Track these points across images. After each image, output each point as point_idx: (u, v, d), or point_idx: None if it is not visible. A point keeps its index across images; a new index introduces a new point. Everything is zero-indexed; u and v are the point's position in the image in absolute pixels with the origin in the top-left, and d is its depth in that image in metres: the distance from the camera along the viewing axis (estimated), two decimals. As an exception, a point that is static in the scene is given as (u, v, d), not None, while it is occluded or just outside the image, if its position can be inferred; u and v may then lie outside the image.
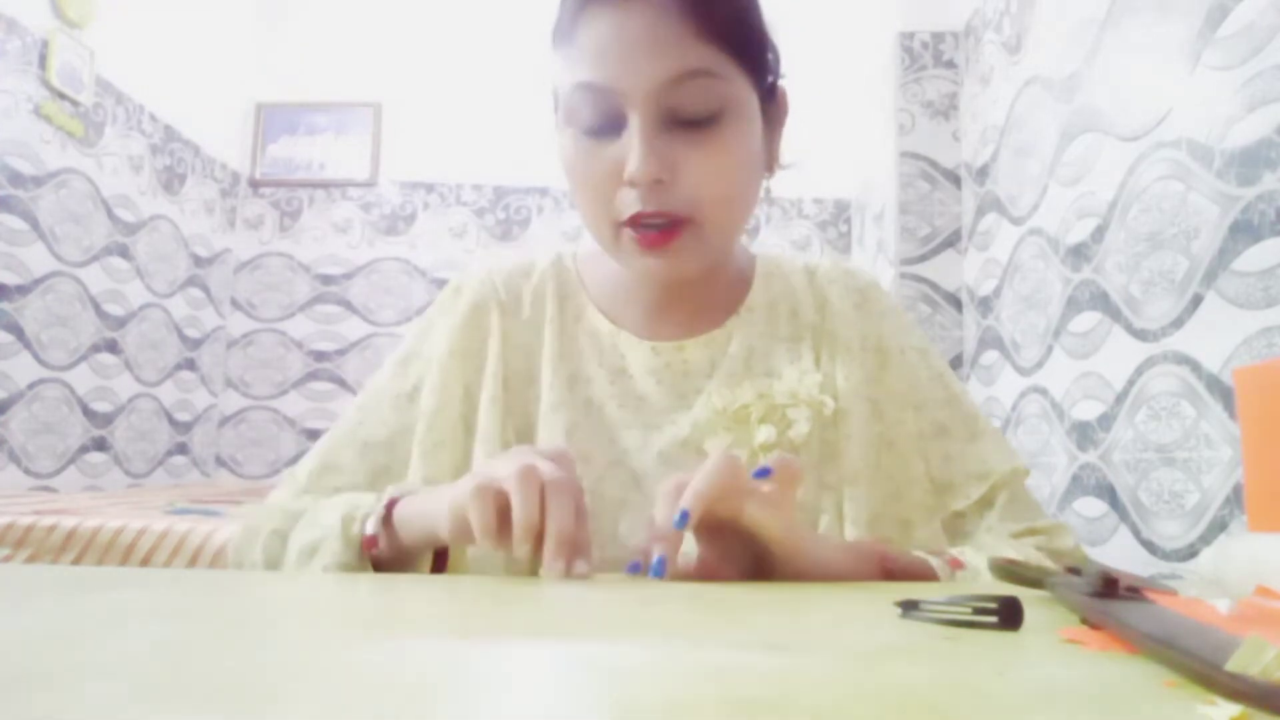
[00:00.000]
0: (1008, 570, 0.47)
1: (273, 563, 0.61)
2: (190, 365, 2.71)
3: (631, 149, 0.59)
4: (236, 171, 2.96)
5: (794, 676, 0.26)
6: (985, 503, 0.67)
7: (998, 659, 0.30)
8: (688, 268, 0.64)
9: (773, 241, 2.97)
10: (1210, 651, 0.25)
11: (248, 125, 3.00)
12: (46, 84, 2.05)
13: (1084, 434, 1.39)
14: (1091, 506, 1.35)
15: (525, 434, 0.68)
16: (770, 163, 0.69)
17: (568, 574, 0.47)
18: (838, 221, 2.97)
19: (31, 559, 1.31)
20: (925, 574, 0.57)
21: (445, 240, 2.98)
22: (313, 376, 2.91)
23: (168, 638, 0.31)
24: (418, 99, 2.98)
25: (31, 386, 2.04)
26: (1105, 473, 1.31)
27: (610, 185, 0.61)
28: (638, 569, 0.50)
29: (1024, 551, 0.62)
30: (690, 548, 0.51)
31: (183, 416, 2.67)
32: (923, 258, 2.07)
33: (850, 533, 0.63)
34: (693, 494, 0.48)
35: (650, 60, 0.58)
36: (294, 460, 2.83)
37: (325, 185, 2.99)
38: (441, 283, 2.93)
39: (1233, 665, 0.23)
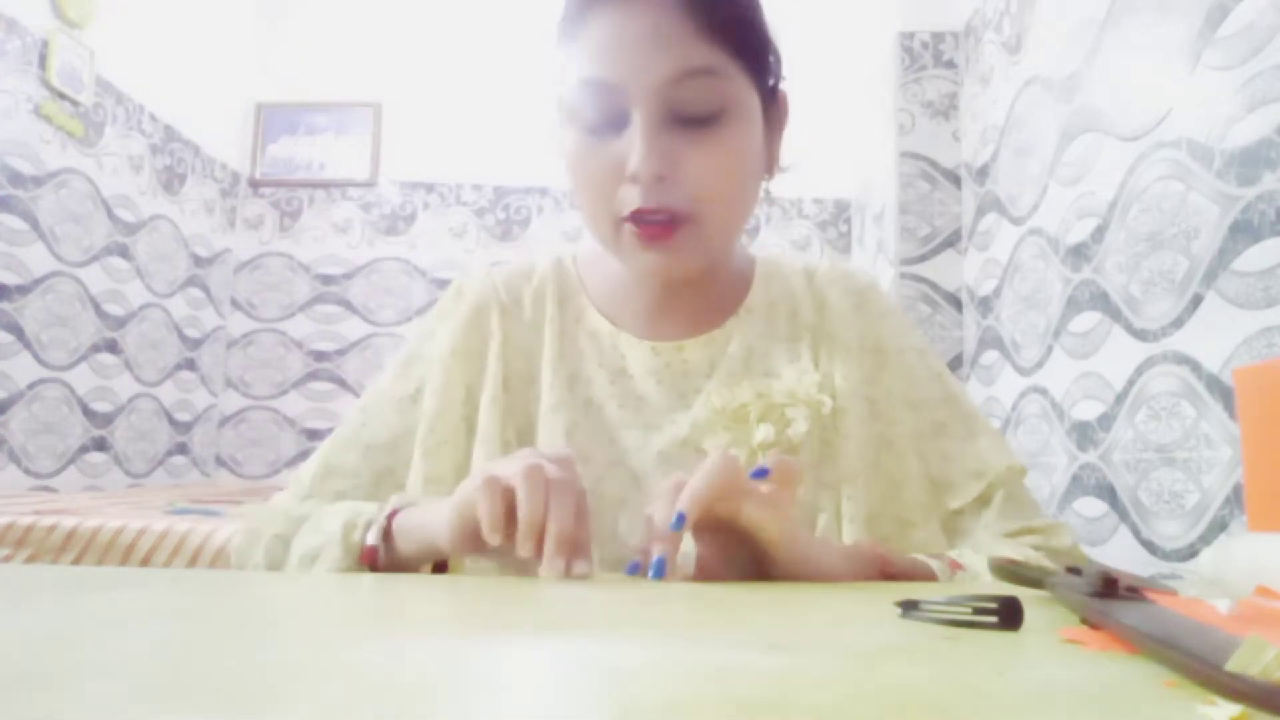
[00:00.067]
0: (1008, 570, 0.47)
1: (274, 567, 0.61)
2: (190, 365, 2.71)
3: (634, 145, 0.59)
4: (236, 171, 2.96)
5: (794, 676, 0.26)
6: (983, 501, 0.67)
7: (998, 659, 0.30)
8: (687, 264, 0.64)
9: (773, 241, 2.97)
10: (1210, 651, 0.25)
11: (248, 125, 3.00)
12: (46, 84, 2.05)
13: (1084, 434, 1.39)
14: (1091, 506, 1.35)
15: (525, 434, 0.68)
16: (770, 165, 0.69)
17: (567, 574, 0.47)
18: (838, 221, 2.97)
19: (31, 559, 1.32)
20: (925, 576, 0.57)
21: (445, 240, 2.98)
22: (313, 376, 2.91)
23: (168, 638, 0.31)
24: (418, 99, 2.98)
25: (31, 386, 2.04)
26: (1105, 473, 1.31)
27: (612, 181, 0.61)
28: (637, 569, 0.50)
29: (1022, 551, 0.62)
30: (689, 549, 0.51)
31: (183, 416, 2.67)
32: (923, 258, 2.07)
33: (848, 531, 0.64)
34: (689, 495, 0.48)
35: (654, 58, 0.58)
36: (294, 460, 2.84)
37: (325, 185, 2.99)
38: (442, 283, 2.93)
39: (1233, 665, 0.23)
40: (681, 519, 0.47)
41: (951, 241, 2.06)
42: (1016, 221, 1.72)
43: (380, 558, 0.57)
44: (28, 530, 1.33)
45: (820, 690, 0.25)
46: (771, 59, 0.66)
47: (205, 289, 2.78)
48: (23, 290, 2.01)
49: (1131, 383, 1.24)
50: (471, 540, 0.51)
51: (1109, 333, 1.32)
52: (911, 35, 2.13)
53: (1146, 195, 1.22)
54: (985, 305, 1.88)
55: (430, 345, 0.72)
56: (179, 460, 2.66)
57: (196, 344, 2.74)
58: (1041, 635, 0.34)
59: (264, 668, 0.27)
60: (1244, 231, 1.00)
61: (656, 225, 0.61)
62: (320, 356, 2.91)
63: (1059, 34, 1.55)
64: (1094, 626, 0.33)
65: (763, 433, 0.65)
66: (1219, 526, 1.04)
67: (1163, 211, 1.17)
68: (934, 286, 2.05)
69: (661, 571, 0.48)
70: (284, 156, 3.00)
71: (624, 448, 0.66)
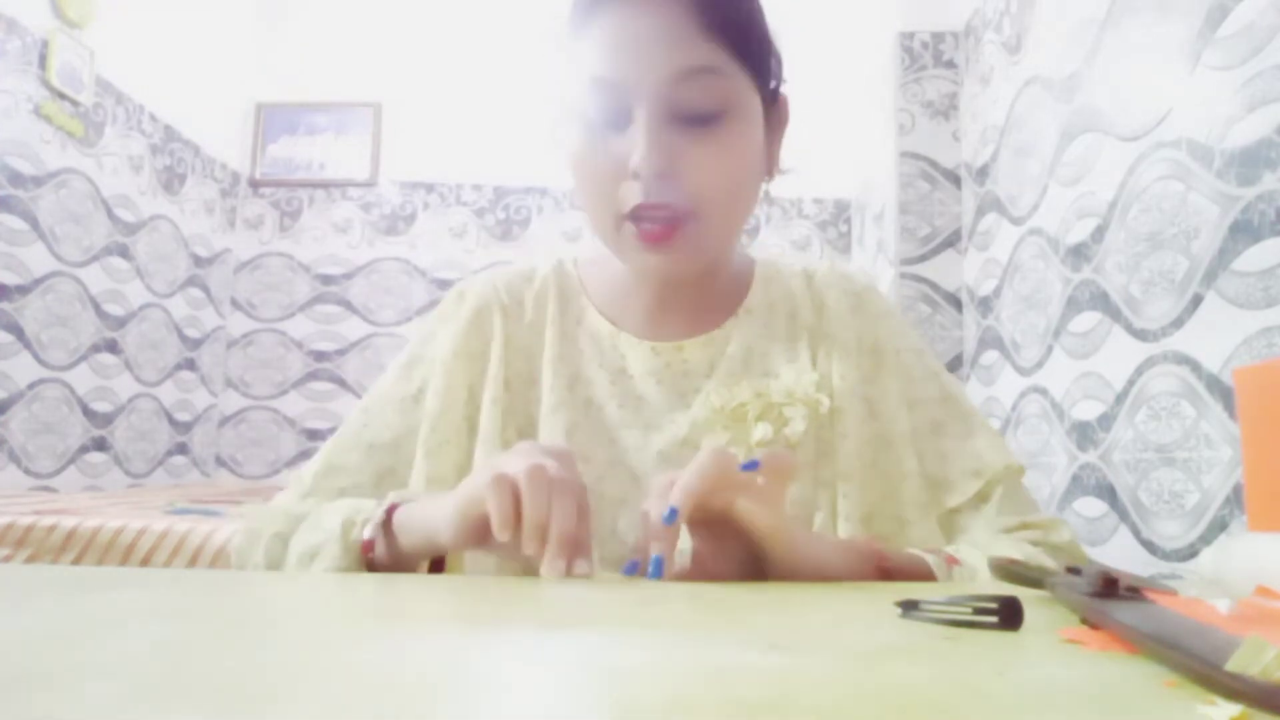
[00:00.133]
0: (1008, 570, 0.47)
1: (274, 565, 0.61)
2: (190, 365, 2.71)
3: (637, 142, 0.60)
4: (236, 171, 2.96)
5: (794, 676, 0.26)
6: (981, 498, 0.67)
7: (998, 659, 0.30)
8: (687, 263, 0.65)
9: (773, 241, 2.98)
10: (1210, 651, 0.25)
11: (248, 125, 3.00)
12: (46, 84, 2.05)
13: (1084, 434, 1.39)
14: (1091, 506, 1.35)
15: (526, 434, 0.69)
16: (770, 167, 0.70)
17: (569, 573, 0.48)
18: (838, 221, 2.97)
19: (31, 559, 1.32)
20: (921, 571, 0.57)
21: (445, 240, 2.98)
22: (313, 376, 2.91)
23: (168, 638, 0.31)
24: (418, 99, 2.98)
25: (31, 386, 2.04)
26: (1105, 473, 1.31)
27: (614, 178, 0.62)
28: (635, 569, 0.50)
29: (1020, 547, 0.62)
30: (686, 545, 0.51)
31: (183, 416, 2.67)
32: (923, 258, 2.07)
33: (844, 529, 0.64)
34: (681, 490, 0.48)
35: (657, 56, 0.59)
36: (294, 460, 2.84)
37: (325, 185, 2.99)
38: (441, 283, 2.93)
39: (1233, 665, 0.23)
40: (674, 513, 0.48)
41: (951, 241, 2.06)
42: (1016, 221, 1.72)
43: (379, 552, 0.57)
44: (28, 530, 1.33)
45: (820, 690, 0.25)
46: (773, 61, 0.67)
47: (205, 289, 2.78)
48: (23, 290, 2.01)
49: (1131, 383, 1.24)
50: (475, 535, 0.51)
51: (1109, 333, 1.32)
52: (911, 35, 2.13)
53: (1146, 195, 1.22)
54: (985, 305, 1.89)
55: (432, 346, 0.73)
56: (179, 460, 2.66)
57: (196, 344, 2.74)
58: (1041, 635, 0.34)
59: (264, 668, 0.27)
60: (1244, 231, 1.00)
61: (657, 226, 0.62)
62: (320, 356, 2.91)
63: (1059, 34, 1.55)
64: (1094, 626, 0.33)
65: (761, 432, 0.65)
66: (1219, 526, 1.04)
67: (1163, 211, 1.17)
68: (934, 286, 2.05)
69: (660, 571, 0.48)
70: (284, 156, 3.00)
71: (624, 447, 0.67)
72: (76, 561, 1.32)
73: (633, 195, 0.61)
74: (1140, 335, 1.22)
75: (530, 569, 0.57)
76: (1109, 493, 1.30)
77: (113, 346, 2.33)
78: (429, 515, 0.55)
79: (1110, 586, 0.35)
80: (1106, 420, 1.31)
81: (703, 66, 0.60)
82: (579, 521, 0.49)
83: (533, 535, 0.48)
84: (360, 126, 2.99)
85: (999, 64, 1.85)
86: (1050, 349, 1.53)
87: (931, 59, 2.12)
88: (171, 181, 2.59)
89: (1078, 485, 1.40)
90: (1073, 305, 1.44)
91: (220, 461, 2.86)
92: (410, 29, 2.98)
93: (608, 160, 0.62)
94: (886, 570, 0.55)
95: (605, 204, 0.63)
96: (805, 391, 0.67)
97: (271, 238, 2.97)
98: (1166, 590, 0.43)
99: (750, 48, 0.63)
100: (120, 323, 2.36)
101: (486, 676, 0.26)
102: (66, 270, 2.14)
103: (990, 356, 1.85)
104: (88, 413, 2.24)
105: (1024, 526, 0.66)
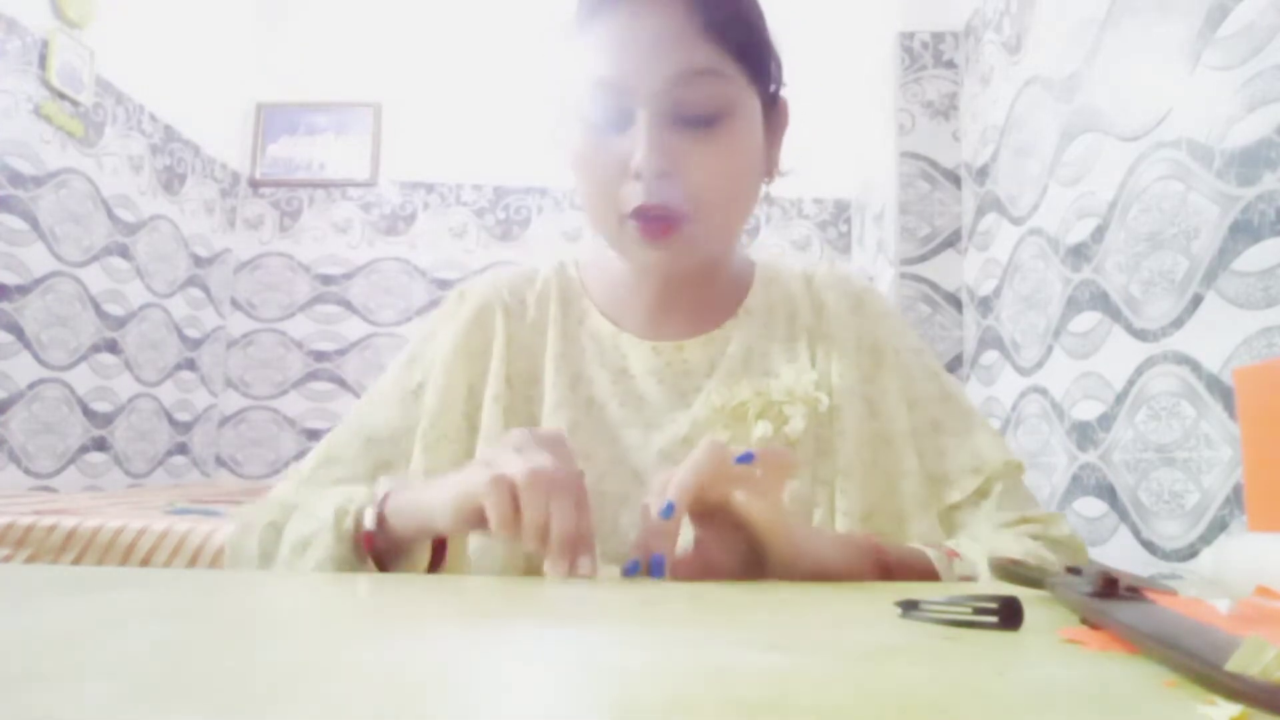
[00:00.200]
0: (1008, 570, 0.47)
1: (268, 555, 0.61)
2: (190, 365, 2.71)
3: (638, 143, 0.61)
4: (236, 171, 2.96)
5: (794, 676, 0.26)
6: (981, 494, 0.67)
7: (998, 659, 0.30)
8: (686, 261, 0.66)
9: (773, 241, 2.98)
10: (1210, 651, 0.25)
11: (248, 125, 3.00)
12: (46, 84, 2.05)
13: (1084, 434, 1.39)
14: (1091, 506, 1.35)
15: None
16: (770, 169, 0.71)
17: (571, 573, 0.48)
18: (838, 221, 2.97)
19: (31, 559, 1.32)
20: (921, 565, 0.57)
21: (445, 240, 2.98)
22: (313, 376, 2.91)
23: (168, 638, 0.31)
24: (418, 99, 2.98)
25: (31, 386, 2.04)
26: (1105, 473, 1.31)
27: (616, 178, 0.63)
28: (635, 570, 0.50)
29: (1021, 541, 0.62)
30: (687, 536, 0.52)
31: (183, 416, 2.67)
32: (923, 258, 2.07)
33: (842, 525, 0.64)
34: (677, 485, 0.49)
35: (658, 58, 0.60)
36: (294, 460, 2.83)
37: (325, 185, 2.99)
38: (441, 283, 2.94)
39: (1233, 665, 0.23)
40: (670, 508, 0.48)
41: (951, 241, 2.06)
42: (1016, 221, 1.72)
43: (376, 542, 0.56)
44: (28, 530, 1.33)
45: (820, 690, 0.25)
46: (773, 65, 0.68)
47: (205, 289, 2.78)
48: (23, 290, 2.01)
49: (1131, 383, 1.24)
50: (472, 524, 0.51)
51: (1109, 333, 1.32)
52: (911, 35, 2.13)
53: (1146, 195, 1.22)
54: (985, 305, 1.89)
55: (433, 344, 0.73)
56: (179, 460, 2.66)
57: (196, 344, 2.74)
58: (1041, 635, 0.34)
59: (264, 668, 0.27)
60: (1244, 231, 1.00)
61: (658, 221, 0.62)
62: (320, 356, 2.91)
63: (1059, 34, 1.55)
64: (1094, 626, 0.33)
65: (761, 430, 0.66)
66: (1219, 526, 1.04)
67: (1163, 211, 1.17)
68: (934, 286, 2.05)
69: (661, 570, 0.48)
70: (284, 156, 3.00)
71: (625, 446, 0.67)
72: (76, 561, 1.32)
73: (634, 195, 0.62)
74: (1140, 335, 1.23)
75: (533, 565, 0.57)
76: (1109, 493, 1.30)
77: (113, 346, 2.33)
78: (424, 502, 0.54)
79: (1110, 586, 0.35)
80: (1106, 420, 1.31)
81: (703, 69, 0.61)
82: (579, 517, 0.49)
83: (533, 536, 0.48)
84: (360, 126, 2.99)
85: (999, 64, 1.85)
86: (1050, 349, 1.53)
87: (931, 59, 2.12)
88: (171, 181, 2.59)
89: (1078, 485, 1.40)
90: (1073, 305, 1.44)
91: (220, 461, 2.86)
92: (410, 29, 2.98)
93: (610, 160, 0.63)
94: (885, 564, 0.55)
95: (607, 203, 0.64)
96: (805, 390, 0.67)
97: (271, 238, 2.97)
98: (1166, 590, 0.43)
99: (750, 51, 0.64)
100: (120, 323, 2.36)
101: (486, 676, 0.26)
102: (66, 270, 2.14)
103: (990, 356, 1.85)
104: (88, 413, 2.24)
105: (1024, 521, 0.66)
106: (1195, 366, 1.09)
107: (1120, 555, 1.24)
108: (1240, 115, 1.01)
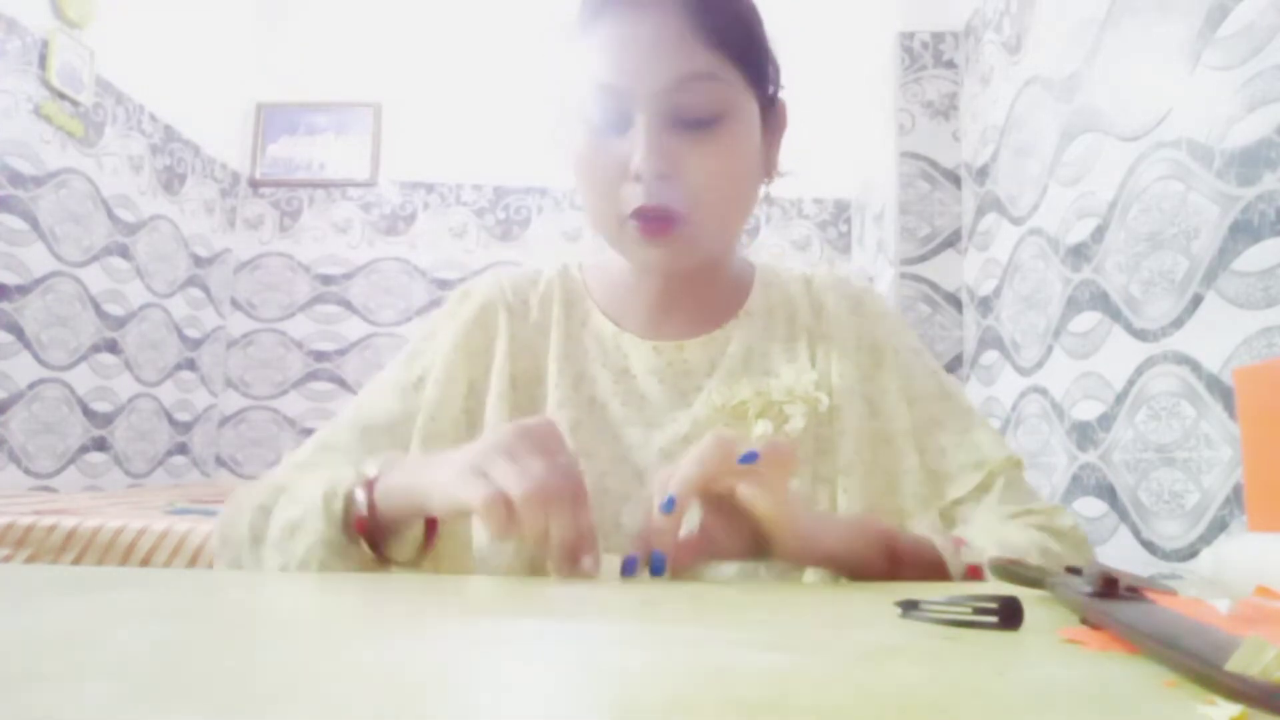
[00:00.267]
0: (1008, 570, 0.47)
1: (258, 538, 0.60)
2: (190, 365, 2.71)
3: (637, 145, 0.62)
4: (236, 171, 2.96)
5: (794, 676, 0.26)
6: (983, 489, 0.68)
7: (998, 659, 0.30)
8: (686, 259, 0.67)
9: (773, 241, 2.98)
10: (1210, 651, 0.25)
11: (248, 125, 3.00)
12: (46, 84, 2.05)
13: (1084, 434, 1.39)
14: (1091, 506, 1.35)
15: None
16: (769, 170, 0.72)
17: (575, 572, 0.48)
18: (838, 221, 2.97)
19: (31, 559, 1.32)
20: (928, 553, 0.57)
21: (445, 240, 2.98)
22: (313, 376, 2.91)
23: (168, 638, 0.31)
24: (418, 99, 2.98)
25: (31, 386, 2.05)
26: (1105, 473, 1.31)
27: (616, 180, 0.64)
28: (633, 567, 0.50)
29: (1027, 532, 0.62)
30: (692, 520, 0.52)
31: (183, 416, 2.67)
32: (923, 258, 2.07)
33: None
34: (680, 480, 0.49)
35: (657, 63, 0.62)
36: (294, 460, 2.83)
37: (325, 185, 2.99)
38: (441, 282, 2.94)
39: (1233, 665, 0.23)
40: (671, 502, 0.48)
41: (951, 241, 2.06)
42: (1016, 221, 1.72)
43: (368, 524, 0.55)
44: (28, 530, 1.33)
45: (820, 690, 0.25)
46: (770, 68, 0.69)
47: (205, 289, 2.78)
48: (23, 290, 2.01)
49: (1131, 383, 1.24)
50: (465, 516, 0.51)
51: (1109, 333, 1.32)
52: (911, 35, 2.13)
53: (1146, 195, 1.22)
54: (985, 305, 1.89)
55: (435, 340, 0.74)
56: (179, 460, 2.66)
57: (196, 344, 2.74)
58: (1041, 635, 0.34)
59: (264, 668, 0.27)
60: (1244, 231, 1.00)
61: (657, 222, 0.63)
62: (320, 356, 2.92)
63: (1059, 34, 1.55)
64: (1094, 626, 0.33)
65: (761, 429, 0.67)
66: (1219, 526, 1.04)
67: (1163, 211, 1.17)
68: (934, 286, 2.05)
69: (661, 568, 0.49)
70: (284, 156, 3.00)
71: (627, 444, 0.68)
72: (76, 561, 1.32)
73: (634, 197, 0.63)
74: (1140, 335, 1.23)
75: (538, 563, 0.57)
76: (1109, 493, 1.30)
77: (113, 346, 2.33)
78: (415, 488, 0.54)
79: (1110, 586, 0.35)
80: (1106, 420, 1.31)
81: (701, 73, 0.62)
82: (579, 517, 0.49)
83: (534, 545, 0.49)
84: (360, 126, 2.99)
85: (999, 64, 1.85)
86: (1050, 349, 1.53)
87: (931, 59, 2.12)
88: (171, 181, 2.59)
89: (1078, 485, 1.40)
90: (1073, 305, 1.44)
91: (220, 461, 2.86)
92: (410, 29, 2.98)
93: (610, 162, 0.64)
94: (894, 551, 0.55)
95: (608, 204, 0.65)
96: (805, 390, 0.68)
97: (271, 238, 2.97)
98: (1166, 590, 0.43)
99: (747, 55, 0.65)
100: (120, 323, 2.36)
101: (486, 676, 0.26)
102: (66, 270, 2.14)
103: (990, 356, 1.85)
104: (88, 413, 2.24)
105: (1028, 513, 0.66)
106: (1195, 366, 1.09)
107: (1120, 555, 1.24)
108: (1240, 115, 1.01)
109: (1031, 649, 0.32)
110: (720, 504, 0.51)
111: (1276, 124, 0.96)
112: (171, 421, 2.61)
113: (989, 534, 0.61)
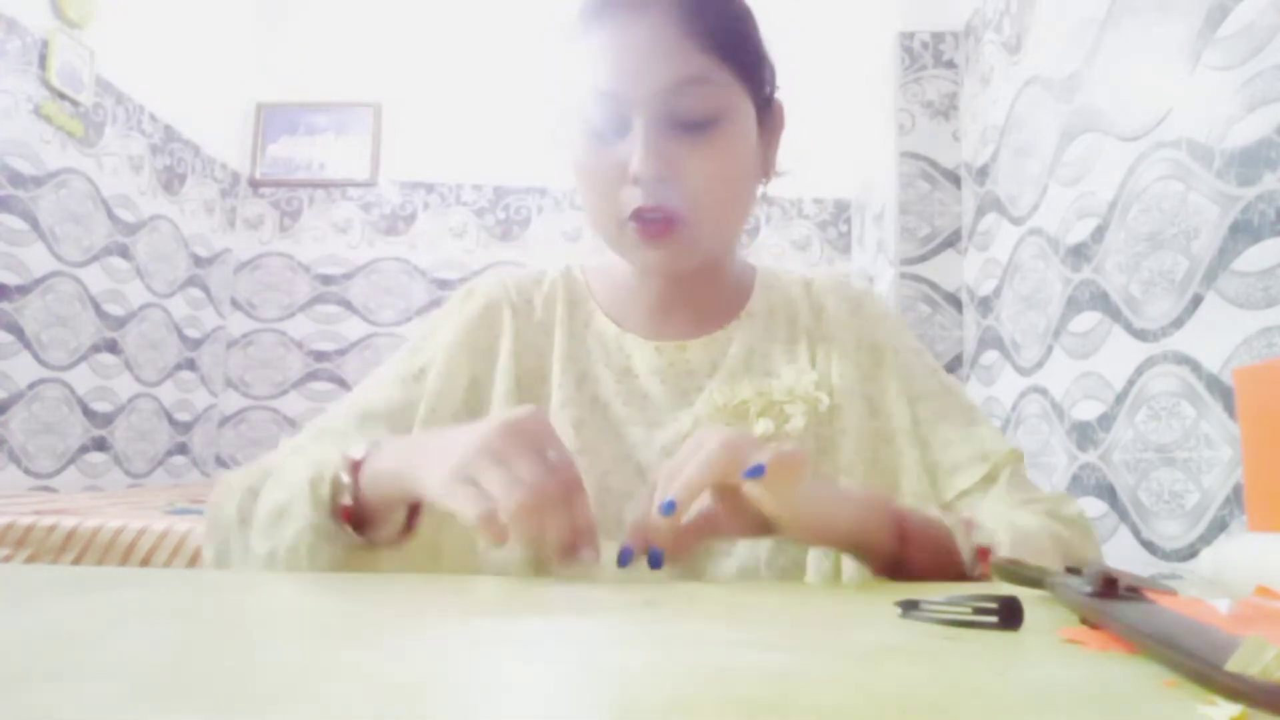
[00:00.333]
0: (1008, 570, 0.47)
1: (245, 521, 0.59)
2: (190, 365, 2.71)
3: (636, 149, 0.63)
4: (236, 171, 2.96)
5: (794, 676, 0.26)
6: (989, 480, 0.68)
7: (998, 659, 0.30)
8: (685, 260, 0.68)
9: (773, 242, 2.98)
10: (1210, 651, 0.25)
11: (248, 125, 3.00)
12: (46, 84, 2.05)
13: (1084, 434, 1.39)
14: (1091, 506, 1.35)
15: None
16: (766, 170, 0.73)
17: (576, 566, 0.48)
18: (838, 221, 2.97)
19: (31, 559, 1.32)
20: (940, 533, 0.56)
21: (445, 240, 2.98)
22: (313, 376, 2.91)
23: (167, 638, 0.31)
24: (418, 99, 2.98)
25: (31, 386, 2.05)
26: (1105, 473, 1.31)
27: (615, 183, 0.65)
28: (629, 556, 0.50)
29: (1038, 518, 0.62)
30: (702, 501, 0.52)
31: (183, 416, 2.67)
32: (923, 258, 2.07)
33: None
34: (683, 484, 0.48)
35: (653, 68, 0.63)
36: (294, 460, 2.83)
37: (325, 185, 2.99)
38: (442, 282, 2.94)
39: (1233, 665, 0.23)
40: (671, 506, 0.48)
41: (951, 241, 2.06)
42: (1016, 221, 1.72)
43: (353, 510, 0.55)
44: (28, 530, 1.33)
45: (820, 690, 0.25)
46: (765, 70, 0.70)
47: (205, 289, 2.78)
48: (23, 290, 2.01)
49: (1131, 383, 1.24)
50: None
51: (1109, 333, 1.32)
52: (911, 35, 2.13)
53: (1146, 195, 1.22)
54: (985, 305, 1.89)
55: (438, 335, 0.74)
56: (179, 460, 2.66)
57: (196, 344, 2.74)
58: (1041, 635, 0.34)
59: (264, 668, 0.27)
60: (1244, 231, 1.00)
61: (656, 223, 0.64)
62: (320, 356, 2.92)
63: (1059, 34, 1.55)
64: (1094, 626, 0.33)
65: (762, 428, 0.67)
66: (1219, 526, 1.04)
67: (1163, 211, 1.17)
68: (934, 286, 2.05)
69: (659, 563, 0.49)
70: (284, 156, 3.00)
71: (630, 443, 0.69)
72: (76, 561, 1.32)
73: (633, 199, 0.64)
74: (1140, 335, 1.23)
75: (540, 559, 0.57)
76: (1109, 493, 1.30)
77: (113, 346, 2.33)
78: (403, 476, 0.53)
79: (1110, 586, 0.35)
80: (1106, 420, 1.31)
81: (695, 77, 0.63)
82: (575, 512, 0.48)
83: (531, 547, 0.48)
84: (360, 126, 2.99)
85: (999, 64, 1.85)
86: (1050, 349, 1.53)
87: (931, 59, 2.12)
88: (171, 181, 2.59)
89: (1078, 485, 1.40)
90: (1073, 305, 1.44)
91: (220, 461, 2.86)
92: (410, 29, 2.98)
93: (609, 166, 0.65)
94: (905, 532, 0.55)
95: (607, 206, 0.66)
96: (805, 390, 0.69)
97: (271, 238, 2.97)
98: (1166, 590, 0.43)
99: (741, 58, 0.66)
100: (120, 323, 2.36)
101: (486, 676, 0.26)
102: (66, 270, 2.14)
103: (990, 356, 1.85)
104: (88, 413, 2.24)
105: (1034, 501, 0.66)
106: (1195, 366, 1.09)
107: (1120, 555, 1.24)
108: (1240, 115, 1.01)
109: (1031, 649, 0.32)
110: (724, 489, 0.51)
111: (1276, 124, 0.96)
112: (171, 421, 2.61)
113: (999, 518, 0.60)
